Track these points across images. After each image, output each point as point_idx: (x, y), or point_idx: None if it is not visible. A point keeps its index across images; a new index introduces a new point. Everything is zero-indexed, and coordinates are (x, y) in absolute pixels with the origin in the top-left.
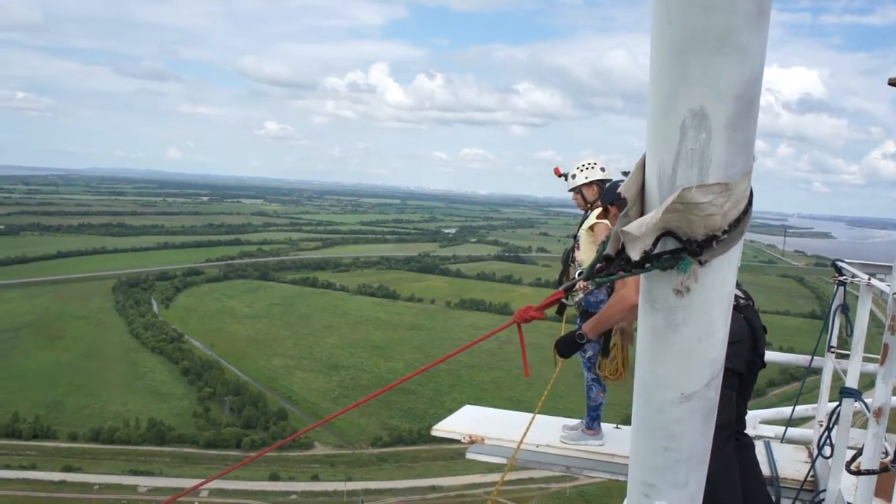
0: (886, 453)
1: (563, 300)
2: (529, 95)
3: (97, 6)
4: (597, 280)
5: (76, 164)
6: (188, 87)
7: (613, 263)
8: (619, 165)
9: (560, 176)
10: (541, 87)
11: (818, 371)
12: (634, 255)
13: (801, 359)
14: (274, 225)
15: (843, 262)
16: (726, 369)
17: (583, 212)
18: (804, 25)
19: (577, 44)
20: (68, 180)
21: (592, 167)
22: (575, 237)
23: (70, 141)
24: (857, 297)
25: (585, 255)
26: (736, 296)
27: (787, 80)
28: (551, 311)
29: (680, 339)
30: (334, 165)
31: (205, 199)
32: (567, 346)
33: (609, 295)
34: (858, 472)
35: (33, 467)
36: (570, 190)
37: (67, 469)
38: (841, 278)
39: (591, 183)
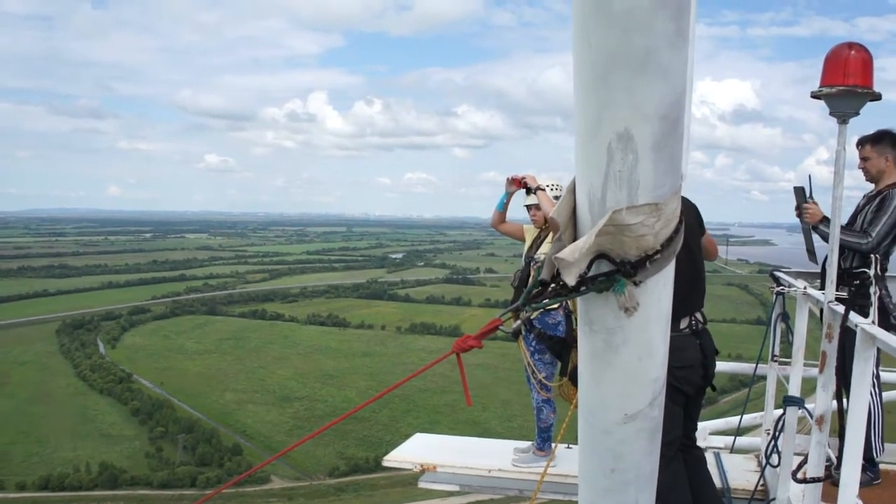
0: (830, 460)
1: (502, 328)
2: (469, 117)
3: (26, 45)
4: (532, 306)
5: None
6: (126, 124)
7: (549, 289)
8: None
9: (523, 188)
10: (480, 109)
11: (765, 378)
12: (570, 279)
13: (747, 367)
14: (219, 259)
15: (780, 271)
16: (675, 387)
17: (537, 230)
18: (734, 38)
19: (514, 64)
20: (5, 223)
21: (560, 189)
22: (529, 259)
23: (5, 183)
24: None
25: None
26: (697, 319)
27: (720, 92)
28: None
29: (620, 359)
30: (278, 196)
31: (148, 235)
32: None
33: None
34: (804, 481)
35: None
36: (530, 206)
37: None
38: (779, 288)
39: None
